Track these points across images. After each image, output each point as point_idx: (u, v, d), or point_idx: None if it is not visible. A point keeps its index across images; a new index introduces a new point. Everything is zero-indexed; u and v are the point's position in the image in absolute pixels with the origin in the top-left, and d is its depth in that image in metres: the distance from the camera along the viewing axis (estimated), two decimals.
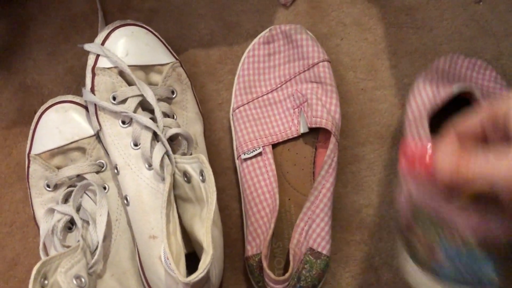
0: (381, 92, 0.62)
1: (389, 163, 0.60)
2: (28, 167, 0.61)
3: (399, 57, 0.63)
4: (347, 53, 0.63)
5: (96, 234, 0.55)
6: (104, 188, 0.58)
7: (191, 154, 0.55)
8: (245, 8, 0.67)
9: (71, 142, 0.59)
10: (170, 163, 0.52)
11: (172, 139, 0.55)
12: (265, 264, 0.51)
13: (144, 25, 0.60)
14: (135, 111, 0.55)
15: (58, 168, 0.59)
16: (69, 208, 0.56)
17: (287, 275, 0.51)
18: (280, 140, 0.59)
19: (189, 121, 0.59)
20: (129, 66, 0.56)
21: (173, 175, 0.52)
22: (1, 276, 0.65)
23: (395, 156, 0.60)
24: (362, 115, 0.62)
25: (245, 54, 0.63)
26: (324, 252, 0.53)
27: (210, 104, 0.66)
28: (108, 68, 0.56)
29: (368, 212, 0.59)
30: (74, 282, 0.49)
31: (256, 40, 0.63)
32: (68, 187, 0.58)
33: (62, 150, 0.59)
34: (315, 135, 0.59)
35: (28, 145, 0.61)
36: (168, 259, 0.47)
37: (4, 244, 0.66)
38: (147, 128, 0.53)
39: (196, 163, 0.50)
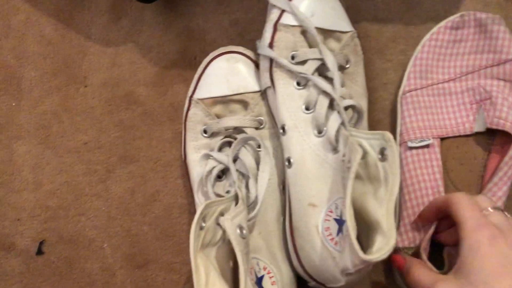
0: None
1: None
2: (188, 109, 0.58)
3: None
4: None
5: (256, 189, 0.52)
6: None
7: None
8: None
9: (236, 94, 0.56)
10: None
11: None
12: (425, 258, 0.47)
13: None
14: (313, 75, 0.49)
15: (218, 116, 0.57)
16: (226, 158, 0.53)
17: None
18: (451, 135, 0.53)
19: (357, 95, 0.54)
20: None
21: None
22: (140, 208, 0.64)
23: None
24: None
25: (427, 36, 0.57)
26: None
27: (375, 83, 0.60)
28: (292, 26, 0.52)
29: None
30: (238, 231, 0.46)
31: (443, 23, 0.56)
32: (224, 137, 0.55)
33: (225, 100, 0.56)
34: (491, 136, 0.53)
35: (191, 89, 0.59)
36: (326, 230, 0.45)
37: (146, 178, 0.64)
38: (324, 93, 0.49)
39: (376, 140, 0.44)
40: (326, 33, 0.53)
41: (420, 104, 0.55)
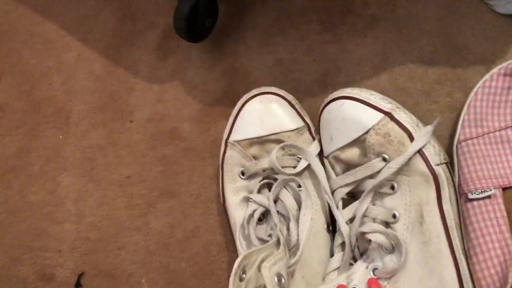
0: None
1: None
2: (225, 152, 0.52)
3: None
4: None
5: (297, 232, 0.45)
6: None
7: None
8: (476, 32, 0.54)
9: (271, 134, 0.49)
10: None
11: None
12: None
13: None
14: None
15: (254, 157, 0.50)
16: (266, 200, 0.47)
17: None
18: None
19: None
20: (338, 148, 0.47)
21: None
22: (179, 244, 0.57)
23: None
24: None
25: (479, 84, 0.49)
26: None
27: None
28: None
29: None
30: (276, 280, 0.39)
31: (495, 70, 0.49)
32: (263, 179, 0.49)
33: (261, 141, 0.49)
34: None
35: (227, 131, 0.52)
36: None
37: (186, 214, 0.58)
38: None
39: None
40: (354, 143, 0.45)
41: (477, 154, 0.47)
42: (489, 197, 0.45)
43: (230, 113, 0.53)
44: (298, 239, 0.44)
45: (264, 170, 0.49)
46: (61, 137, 0.64)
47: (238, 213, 0.48)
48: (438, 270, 0.41)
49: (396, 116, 0.43)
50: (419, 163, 0.42)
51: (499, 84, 0.48)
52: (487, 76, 0.49)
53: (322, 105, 0.48)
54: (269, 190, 0.48)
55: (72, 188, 0.62)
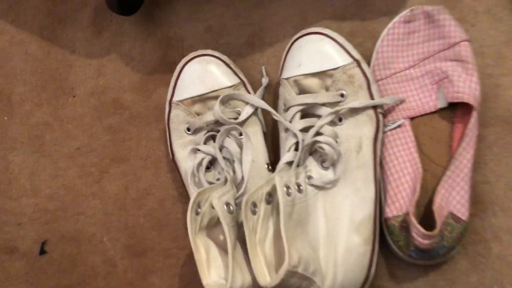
0: (508, 79, 0.54)
1: (508, 147, 0.53)
2: (170, 112, 0.54)
3: None
4: (476, 39, 0.55)
5: (241, 170, 0.49)
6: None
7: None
8: None
9: (212, 91, 0.52)
10: None
11: None
12: (414, 221, 0.43)
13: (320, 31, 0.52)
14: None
15: (198, 114, 0.52)
16: (212, 149, 0.50)
17: (436, 231, 0.43)
18: (418, 114, 0.50)
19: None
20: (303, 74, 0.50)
21: None
22: (135, 203, 0.59)
23: None
24: (487, 98, 0.53)
25: (384, 31, 0.53)
26: (463, 218, 0.46)
27: None
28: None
29: (484, 188, 0.52)
30: (225, 207, 0.43)
31: (396, 18, 0.53)
32: (207, 132, 0.52)
33: (202, 98, 0.52)
34: (452, 110, 0.50)
35: (170, 93, 0.54)
36: None
37: (138, 175, 0.59)
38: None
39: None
40: (318, 74, 0.50)
41: (387, 92, 0.52)
42: (400, 126, 0.51)
43: (169, 79, 0.55)
44: (242, 177, 0.48)
45: (208, 124, 0.51)
46: (6, 118, 0.63)
47: (188, 164, 0.51)
48: (363, 190, 0.47)
49: (362, 65, 0.50)
50: (370, 108, 0.49)
51: (401, 30, 0.54)
52: (390, 25, 0.54)
53: (298, 35, 0.52)
54: (214, 141, 0.51)
55: (24, 165, 0.61)
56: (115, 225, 0.58)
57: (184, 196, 0.56)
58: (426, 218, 0.47)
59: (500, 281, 0.48)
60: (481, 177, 0.51)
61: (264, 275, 0.40)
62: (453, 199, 0.46)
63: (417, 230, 0.44)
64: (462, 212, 0.46)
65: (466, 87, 0.49)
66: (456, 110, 0.51)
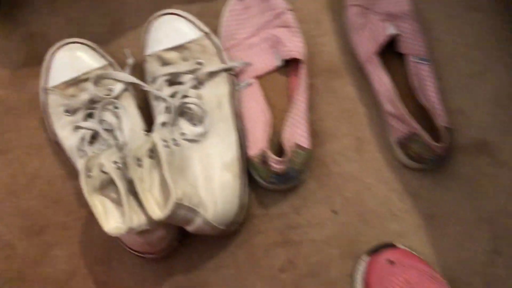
0: (325, 38, 0.67)
1: (331, 90, 0.66)
2: (46, 98, 0.59)
3: (338, 13, 0.68)
4: (298, 9, 0.66)
5: (123, 136, 0.55)
6: None
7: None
8: None
9: (82, 74, 0.57)
10: None
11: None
12: (269, 152, 0.54)
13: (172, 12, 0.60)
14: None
15: (73, 96, 0.57)
16: (92, 124, 0.56)
17: (285, 157, 0.54)
18: (262, 73, 0.61)
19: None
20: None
21: None
22: (24, 187, 0.62)
23: (336, 84, 0.67)
24: (312, 55, 0.65)
25: (225, 10, 0.64)
26: (306, 147, 0.58)
27: None
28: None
29: (319, 124, 0.63)
30: (113, 164, 0.50)
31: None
32: (85, 110, 0.57)
33: (75, 81, 0.57)
34: (287, 67, 0.62)
35: (42, 80, 0.58)
36: None
37: (24, 162, 0.62)
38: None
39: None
40: (177, 48, 0.58)
41: (236, 58, 0.61)
42: (250, 84, 0.61)
43: (38, 71, 0.59)
44: (124, 142, 0.55)
45: (84, 104, 0.56)
46: None
47: (72, 141, 0.56)
48: (227, 138, 0.57)
49: (212, 37, 0.61)
50: (224, 71, 0.59)
51: (238, 7, 0.64)
52: (229, 4, 0.65)
53: (155, 16, 0.60)
54: (93, 118, 0.57)
55: None
56: (8, 211, 0.61)
57: (72, 173, 0.61)
58: (279, 152, 0.59)
59: (341, 192, 0.61)
60: (316, 116, 0.64)
61: (156, 212, 0.48)
62: (296, 133, 0.58)
63: (272, 159, 0.54)
64: (305, 143, 0.58)
65: (294, 46, 0.61)
66: (290, 66, 0.63)
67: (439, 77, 0.64)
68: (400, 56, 0.62)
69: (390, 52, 0.62)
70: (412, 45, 0.61)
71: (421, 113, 0.60)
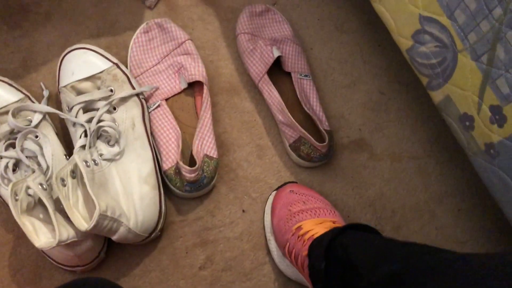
0: (222, 62, 0.76)
1: (232, 106, 0.74)
2: None
3: (232, 39, 0.76)
4: (197, 39, 0.75)
5: (45, 161, 0.59)
6: None
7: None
8: (120, 11, 0.76)
9: (1, 107, 0.61)
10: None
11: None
12: (182, 163, 0.61)
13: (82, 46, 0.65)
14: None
15: None
16: (14, 152, 0.59)
17: (197, 166, 0.61)
18: (170, 96, 0.68)
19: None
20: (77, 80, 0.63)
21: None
22: None
23: (236, 100, 0.75)
24: (213, 77, 0.74)
25: (131, 42, 0.70)
26: (214, 156, 0.65)
27: None
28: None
29: (224, 136, 0.72)
30: (39, 186, 0.54)
31: (138, 31, 0.71)
32: (5, 142, 0.60)
33: None
34: (192, 88, 0.70)
35: None
36: None
37: None
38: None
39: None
40: (89, 78, 0.63)
41: (145, 84, 0.68)
42: (159, 106, 0.68)
43: None
44: (47, 166, 0.59)
45: (4, 135, 0.59)
46: None
47: None
48: (143, 154, 0.63)
49: (121, 66, 0.67)
50: (134, 96, 0.65)
51: (143, 39, 0.71)
52: (134, 36, 0.71)
53: (66, 51, 0.65)
54: (14, 148, 0.60)
55: None
56: None
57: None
58: (191, 163, 0.66)
59: (247, 192, 0.69)
60: (222, 129, 0.72)
61: (83, 223, 0.52)
62: (204, 145, 0.65)
63: (185, 169, 0.61)
64: (213, 153, 0.65)
65: (196, 71, 0.69)
66: (194, 87, 0.70)
67: (320, 89, 0.75)
68: (287, 74, 0.72)
69: (278, 71, 0.72)
70: (295, 64, 0.72)
71: (308, 121, 0.70)
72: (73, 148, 0.62)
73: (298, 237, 0.57)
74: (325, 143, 0.65)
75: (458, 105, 0.59)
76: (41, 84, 0.69)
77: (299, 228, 0.58)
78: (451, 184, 0.74)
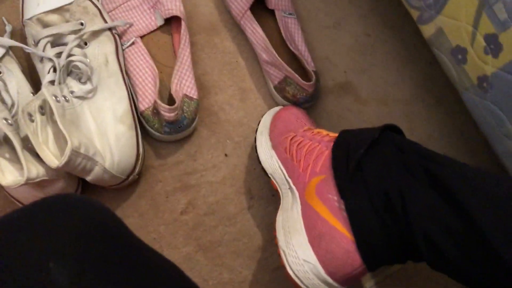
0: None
1: (212, 46, 0.69)
2: None
3: None
4: None
5: (10, 97, 0.54)
6: None
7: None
8: None
9: None
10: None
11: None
12: (159, 102, 0.56)
13: None
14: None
15: None
16: None
17: (176, 104, 0.56)
18: (145, 33, 0.63)
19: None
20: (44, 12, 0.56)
21: None
22: None
23: (216, 40, 0.70)
24: (191, 14, 0.68)
25: None
26: (194, 97, 0.60)
27: None
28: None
29: (205, 78, 0.67)
30: (4, 121, 0.49)
31: None
32: None
33: None
34: (169, 25, 0.64)
35: None
36: None
37: None
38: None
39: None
40: (57, 10, 0.57)
41: (118, 19, 0.63)
42: (134, 43, 0.62)
43: None
44: (12, 103, 0.53)
45: None
46: None
47: None
48: (117, 92, 0.58)
49: None
50: (107, 30, 0.59)
51: None
52: None
53: None
54: None
55: None
56: None
57: None
58: (170, 104, 0.61)
59: (231, 137, 0.65)
60: (201, 70, 0.67)
61: (54, 160, 0.47)
62: (184, 85, 0.60)
63: (164, 108, 0.56)
64: (193, 93, 0.61)
65: (173, 5, 0.63)
66: (171, 24, 0.65)
67: (304, 29, 0.70)
68: (270, 12, 0.67)
69: (261, 10, 0.67)
70: (279, 1, 0.67)
71: (293, 62, 0.66)
72: (40, 86, 0.56)
73: (314, 133, 0.55)
74: (312, 82, 0.61)
75: (450, 38, 0.55)
76: (3, 18, 0.62)
77: (312, 130, 0.56)
78: (437, 128, 0.71)
